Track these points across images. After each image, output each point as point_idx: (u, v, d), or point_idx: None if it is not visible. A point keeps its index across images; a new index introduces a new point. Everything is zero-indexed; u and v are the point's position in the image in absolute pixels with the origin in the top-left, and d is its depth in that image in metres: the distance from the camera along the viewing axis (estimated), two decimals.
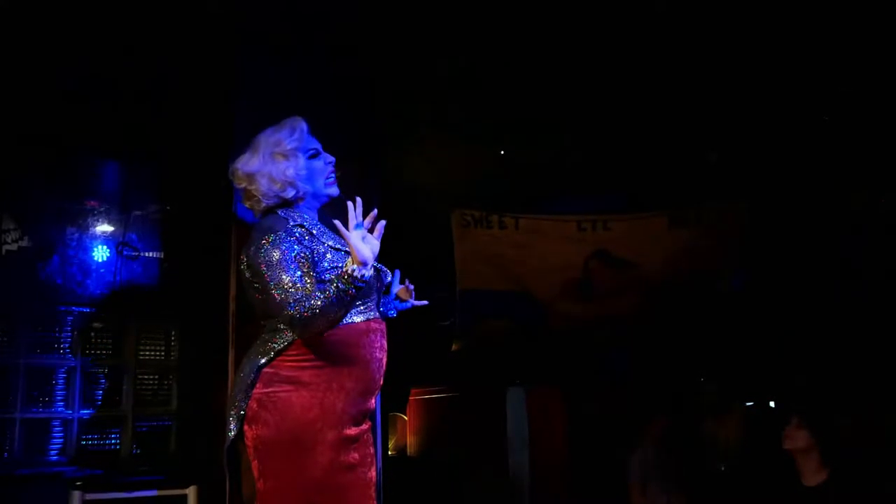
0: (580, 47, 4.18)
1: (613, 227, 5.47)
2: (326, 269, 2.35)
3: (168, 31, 3.67)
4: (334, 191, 2.58)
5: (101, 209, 3.83)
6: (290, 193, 2.50)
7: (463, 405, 5.28)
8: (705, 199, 5.48)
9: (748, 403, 5.53)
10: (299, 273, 2.31)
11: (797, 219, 5.23)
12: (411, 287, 2.74)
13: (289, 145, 2.51)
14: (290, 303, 2.26)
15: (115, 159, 3.90)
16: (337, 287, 2.19)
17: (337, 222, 2.23)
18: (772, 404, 5.44)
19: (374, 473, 2.50)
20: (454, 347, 5.46)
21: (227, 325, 3.19)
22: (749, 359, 5.37)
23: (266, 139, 2.54)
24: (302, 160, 2.52)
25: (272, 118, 3.44)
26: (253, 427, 2.35)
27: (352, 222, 2.18)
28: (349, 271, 2.17)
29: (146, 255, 3.88)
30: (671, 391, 5.34)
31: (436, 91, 4.38)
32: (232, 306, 3.22)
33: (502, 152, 5.11)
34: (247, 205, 2.57)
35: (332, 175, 2.57)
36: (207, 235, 3.61)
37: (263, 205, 2.51)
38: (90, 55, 3.67)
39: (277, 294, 2.30)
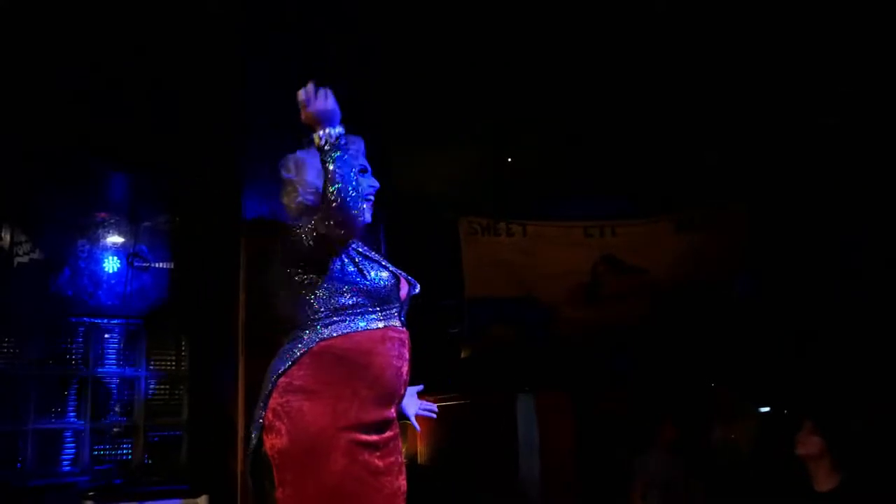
0: (585, 55, 4.19)
1: (620, 232, 5.48)
2: (349, 273, 2.37)
3: (175, 43, 3.70)
4: (367, 216, 2.58)
5: (112, 221, 3.85)
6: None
7: (473, 412, 5.27)
8: (711, 202, 5.48)
9: (761, 409, 5.51)
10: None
11: (803, 219, 5.21)
12: (428, 411, 2.73)
13: (361, 158, 2.54)
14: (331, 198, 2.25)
15: (125, 171, 3.92)
16: (325, 161, 2.24)
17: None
18: (784, 409, 5.42)
19: (403, 482, 2.49)
20: (463, 355, 5.46)
21: (237, 335, 3.20)
22: (759, 362, 5.35)
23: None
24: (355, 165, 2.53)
25: (280, 128, 3.47)
26: (269, 437, 2.35)
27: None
28: (319, 139, 2.22)
29: (156, 265, 3.90)
30: (680, 396, 5.32)
31: (441, 99, 4.39)
32: (241, 315, 3.23)
33: (509, 160, 5.13)
34: (283, 200, 2.54)
35: (371, 202, 2.58)
36: (217, 245, 3.62)
37: (298, 199, 2.49)
38: (100, 67, 3.69)
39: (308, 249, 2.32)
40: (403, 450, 2.62)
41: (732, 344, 5.32)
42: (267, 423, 2.35)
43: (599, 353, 5.61)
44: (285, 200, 2.58)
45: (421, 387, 2.68)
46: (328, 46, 3.68)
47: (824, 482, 3.37)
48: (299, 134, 3.39)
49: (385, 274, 2.40)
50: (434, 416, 2.72)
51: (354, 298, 2.35)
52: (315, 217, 2.28)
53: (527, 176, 5.22)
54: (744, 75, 4.36)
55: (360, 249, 2.45)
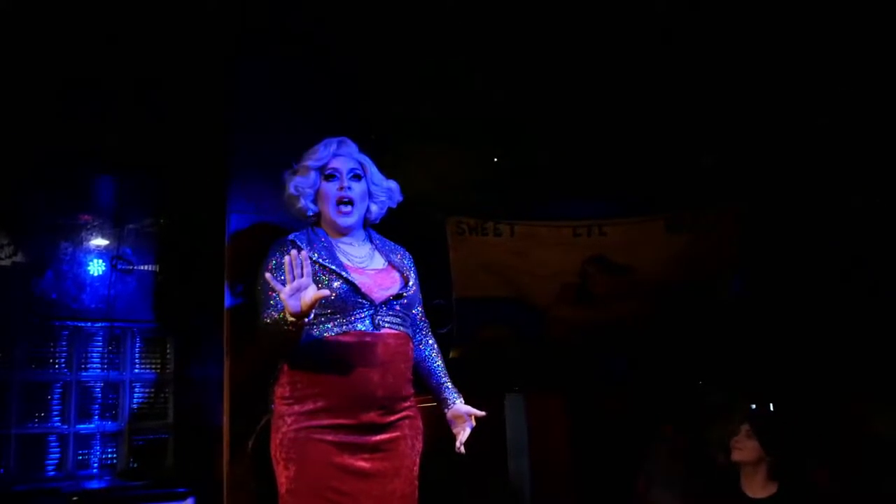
0: (573, 55, 4.19)
1: (609, 231, 5.47)
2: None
3: (163, 44, 3.67)
4: (341, 220, 2.68)
5: (95, 223, 3.83)
6: (298, 205, 2.69)
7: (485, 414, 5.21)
8: (702, 203, 5.48)
9: (752, 406, 5.50)
10: (269, 284, 2.44)
11: (795, 221, 5.22)
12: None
13: (305, 161, 2.68)
14: (259, 312, 2.50)
15: (109, 173, 3.90)
16: (277, 319, 2.34)
17: (268, 276, 2.40)
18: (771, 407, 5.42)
19: (401, 486, 2.51)
20: (452, 355, 5.44)
21: (222, 338, 3.18)
22: (750, 361, 5.35)
23: (304, 155, 2.75)
24: (312, 177, 2.65)
25: (267, 130, 3.46)
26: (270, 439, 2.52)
27: (288, 276, 2.29)
28: (284, 315, 2.29)
29: (141, 268, 3.88)
30: (674, 396, 5.32)
31: (428, 98, 4.38)
32: (227, 318, 3.20)
33: (496, 159, 5.12)
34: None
35: (343, 204, 2.66)
36: (202, 248, 3.60)
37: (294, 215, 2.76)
38: (83, 67, 3.67)
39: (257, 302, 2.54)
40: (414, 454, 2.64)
41: (725, 343, 5.32)
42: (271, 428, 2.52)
43: (591, 353, 5.61)
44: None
45: (472, 410, 2.72)
46: (318, 46, 3.66)
47: (760, 489, 3.27)
48: (286, 135, 3.39)
49: (336, 283, 2.47)
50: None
51: (314, 310, 2.44)
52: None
53: (515, 176, 5.21)
54: (734, 75, 4.36)
55: (321, 259, 2.52)
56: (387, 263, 2.70)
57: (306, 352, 2.45)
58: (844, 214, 5.05)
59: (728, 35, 4.03)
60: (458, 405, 2.75)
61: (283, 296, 2.25)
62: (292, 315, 2.25)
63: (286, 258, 2.29)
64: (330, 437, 2.43)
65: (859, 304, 4.91)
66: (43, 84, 3.63)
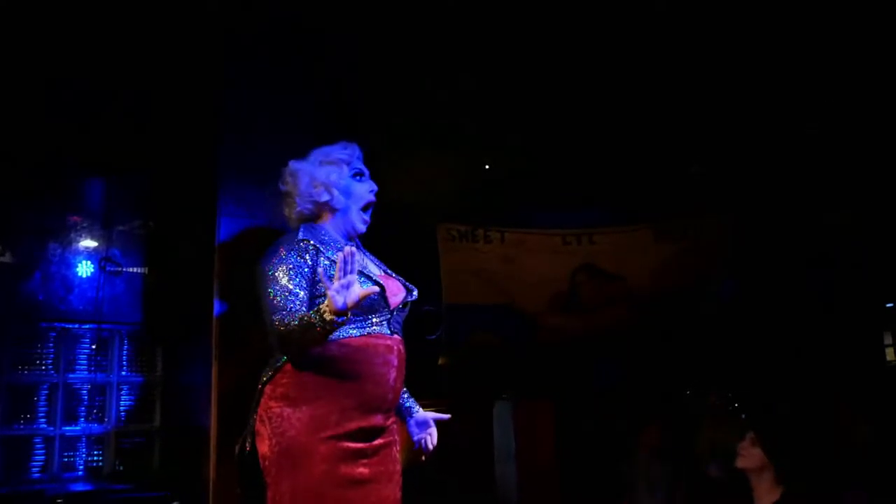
0: (565, 63, 4.20)
1: (598, 240, 5.50)
2: (321, 294, 2.40)
3: (153, 46, 3.67)
4: (361, 226, 2.66)
5: (84, 225, 3.81)
6: (324, 198, 2.60)
7: (450, 419, 5.22)
8: (691, 212, 5.51)
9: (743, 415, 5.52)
10: (286, 284, 2.38)
11: (783, 229, 5.25)
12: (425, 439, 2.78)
13: (337, 155, 2.63)
14: (272, 313, 2.35)
15: (98, 174, 3.88)
16: (309, 319, 2.24)
17: (321, 272, 2.39)
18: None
19: (393, 491, 2.50)
20: (441, 362, 5.44)
21: (211, 341, 3.17)
22: (740, 367, 5.37)
23: (318, 150, 2.68)
24: (346, 171, 2.62)
25: (257, 134, 3.45)
26: (258, 443, 2.43)
27: (339, 273, 2.23)
28: (322, 313, 2.22)
29: (129, 270, 3.86)
30: (661, 402, 5.33)
31: (419, 105, 4.39)
32: (215, 321, 3.20)
33: (487, 167, 5.13)
34: (284, 212, 2.70)
35: (371, 208, 2.67)
36: (191, 251, 3.59)
37: (297, 209, 2.62)
38: (73, 69, 3.66)
39: (266, 303, 2.40)
40: (402, 458, 2.64)
41: (713, 350, 5.34)
42: (257, 429, 2.44)
43: (580, 360, 5.62)
44: (286, 212, 2.70)
45: (436, 416, 2.73)
46: (310, 51, 3.66)
47: (765, 497, 3.27)
48: (277, 139, 3.39)
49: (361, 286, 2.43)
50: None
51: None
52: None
53: (505, 183, 5.22)
54: (722, 85, 4.39)
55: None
56: (382, 272, 2.69)
57: (322, 352, 2.40)
58: (831, 223, 5.09)
59: (716, 46, 4.06)
60: (421, 412, 2.76)
61: (330, 291, 2.21)
62: (333, 312, 2.21)
63: (339, 255, 2.25)
64: (339, 443, 2.39)
65: (842, 311, 4.94)
66: (32, 85, 3.61)
